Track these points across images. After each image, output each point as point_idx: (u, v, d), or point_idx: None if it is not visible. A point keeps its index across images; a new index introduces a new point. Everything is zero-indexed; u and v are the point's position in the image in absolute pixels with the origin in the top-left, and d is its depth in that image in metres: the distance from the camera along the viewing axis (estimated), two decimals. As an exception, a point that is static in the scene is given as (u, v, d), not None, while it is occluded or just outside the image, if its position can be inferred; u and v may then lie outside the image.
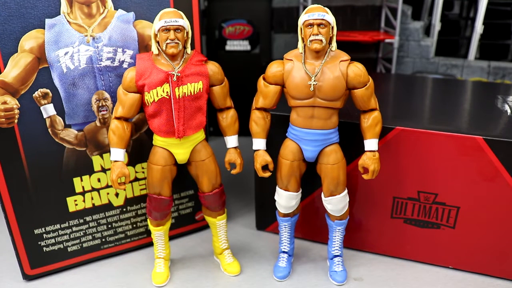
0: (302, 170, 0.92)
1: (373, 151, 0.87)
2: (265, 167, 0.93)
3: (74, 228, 1.01)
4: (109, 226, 1.05)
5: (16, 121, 0.87)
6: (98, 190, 1.00)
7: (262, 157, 0.91)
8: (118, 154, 0.86)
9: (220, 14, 1.68)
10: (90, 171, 0.98)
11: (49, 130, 0.91)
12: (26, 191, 0.93)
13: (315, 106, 0.84)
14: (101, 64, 0.91)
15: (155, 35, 0.83)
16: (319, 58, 0.83)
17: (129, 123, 0.88)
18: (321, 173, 0.90)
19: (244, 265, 1.04)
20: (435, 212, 0.98)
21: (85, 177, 0.98)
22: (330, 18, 0.80)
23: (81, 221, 1.01)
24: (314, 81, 0.82)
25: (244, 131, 1.05)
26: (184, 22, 0.82)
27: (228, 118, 0.93)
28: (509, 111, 1.04)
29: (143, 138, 1.01)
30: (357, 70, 0.83)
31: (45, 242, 0.99)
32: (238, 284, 0.98)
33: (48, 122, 0.90)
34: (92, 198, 1.00)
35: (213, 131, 1.69)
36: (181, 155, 0.91)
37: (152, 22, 0.85)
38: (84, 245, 1.04)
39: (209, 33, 1.71)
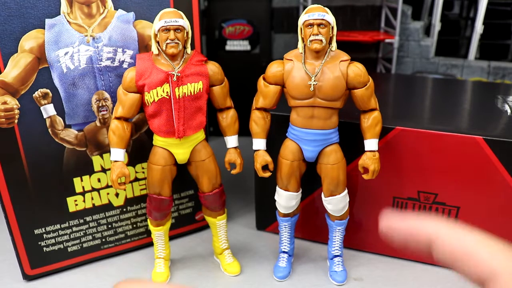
0: (302, 170, 0.92)
1: (373, 151, 0.87)
2: (265, 167, 0.93)
3: (74, 228, 1.01)
4: (109, 226, 1.05)
5: (16, 121, 0.87)
6: (98, 190, 1.00)
7: (262, 157, 0.91)
8: (118, 154, 0.86)
9: (220, 14, 1.68)
10: (90, 171, 0.98)
11: (49, 130, 0.91)
12: (26, 191, 0.93)
13: (315, 106, 0.84)
14: (101, 64, 0.91)
15: (155, 35, 0.83)
16: (319, 58, 0.83)
17: (129, 123, 0.88)
18: (321, 173, 0.90)
19: (244, 265, 1.04)
20: (435, 212, 0.98)
21: (85, 177, 0.98)
22: (330, 18, 0.80)
23: (81, 221, 1.01)
24: (314, 81, 0.82)
25: (244, 131, 1.05)
26: (184, 22, 0.82)
27: (228, 118, 0.93)
28: (509, 111, 1.04)
29: (143, 138, 1.01)
30: (357, 70, 0.83)
31: (45, 242, 0.99)
32: (238, 284, 0.98)
33: (48, 122, 0.90)
34: (92, 198, 1.00)
35: (213, 131, 1.69)
36: (181, 155, 0.91)
37: (152, 22, 0.85)
38: (84, 245, 1.04)
39: (209, 33, 1.71)
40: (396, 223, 0.30)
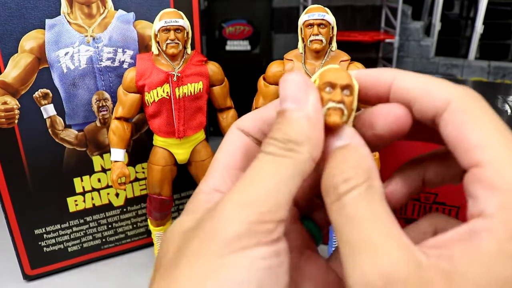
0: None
1: (373, 151, 0.87)
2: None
3: (75, 228, 1.01)
4: (110, 226, 1.05)
5: (16, 121, 0.87)
6: (98, 190, 1.00)
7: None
8: (118, 154, 0.86)
9: (220, 14, 1.68)
10: (90, 171, 0.98)
11: (50, 130, 0.91)
12: (26, 191, 0.93)
13: (315, 106, 0.84)
14: (101, 64, 0.91)
15: (155, 35, 0.83)
16: (319, 58, 0.83)
17: (129, 123, 0.88)
18: (321, 173, 0.90)
19: (244, 265, 1.03)
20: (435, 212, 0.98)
21: (85, 177, 0.98)
22: (330, 18, 0.80)
23: (82, 221, 1.01)
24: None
25: (244, 131, 1.05)
26: (184, 22, 0.82)
27: (228, 118, 0.93)
28: (509, 111, 1.04)
29: (143, 139, 1.01)
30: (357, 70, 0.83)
31: (46, 242, 0.99)
32: (238, 284, 0.98)
33: (48, 122, 0.90)
34: (92, 198, 1.00)
35: (213, 131, 1.69)
36: (181, 155, 0.91)
37: (152, 22, 0.85)
38: (85, 245, 1.04)
39: (209, 33, 1.71)
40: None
